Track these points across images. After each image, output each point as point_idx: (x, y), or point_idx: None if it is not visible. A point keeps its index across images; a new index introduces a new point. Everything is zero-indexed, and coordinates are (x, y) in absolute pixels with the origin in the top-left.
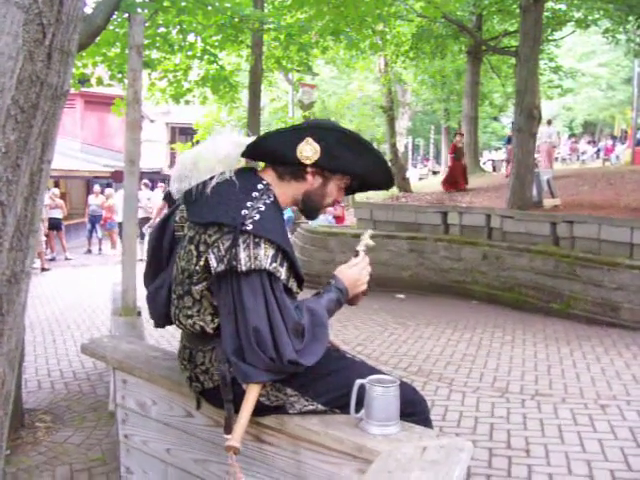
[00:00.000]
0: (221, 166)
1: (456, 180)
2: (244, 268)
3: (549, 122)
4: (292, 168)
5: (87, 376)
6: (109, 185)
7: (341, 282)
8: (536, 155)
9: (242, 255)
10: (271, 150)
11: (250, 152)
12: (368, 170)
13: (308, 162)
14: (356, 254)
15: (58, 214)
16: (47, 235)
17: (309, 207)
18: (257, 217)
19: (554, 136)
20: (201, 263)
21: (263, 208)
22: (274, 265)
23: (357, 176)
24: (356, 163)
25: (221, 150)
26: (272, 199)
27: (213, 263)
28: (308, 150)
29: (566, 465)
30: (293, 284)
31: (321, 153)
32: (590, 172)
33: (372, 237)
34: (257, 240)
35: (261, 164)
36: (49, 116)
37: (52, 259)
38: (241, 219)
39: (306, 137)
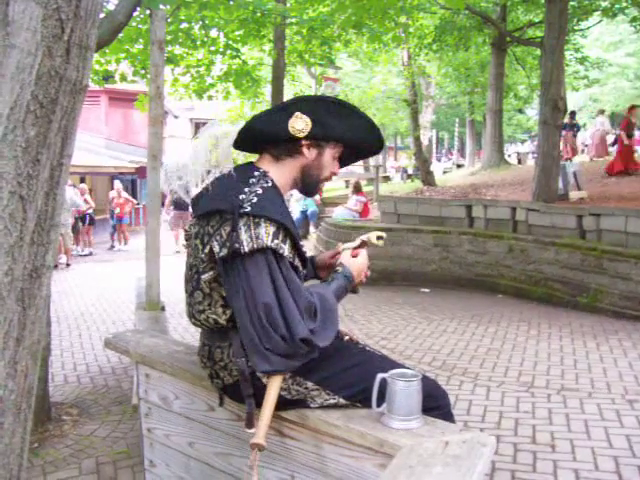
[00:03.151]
0: (216, 157)
1: (631, 160)
2: (247, 249)
3: (602, 111)
4: (287, 145)
5: (112, 370)
6: (134, 181)
7: (348, 270)
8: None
9: (244, 237)
10: (264, 131)
11: (243, 137)
12: (355, 132)
13: (302, 135)
14: (361, 244)
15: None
16: (78, 230)
17: (308, 182)
18: (255, 199)
19: (606, 124)
20: (206, 251)
21: (261, 191)
22: (276, 242)
23: (347, 141)
24: (344, 127)
25: (211, 140)
26: (270, 184)
27: (216, 249)
28: (300, 123)
29: (592, 461)
30: (298, 263)
31: (312, 124)
32: None
33: (387, 234)
34: (257, 220)
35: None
36: (68, 111)
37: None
38: (239, 203)
39: (295, 112)
